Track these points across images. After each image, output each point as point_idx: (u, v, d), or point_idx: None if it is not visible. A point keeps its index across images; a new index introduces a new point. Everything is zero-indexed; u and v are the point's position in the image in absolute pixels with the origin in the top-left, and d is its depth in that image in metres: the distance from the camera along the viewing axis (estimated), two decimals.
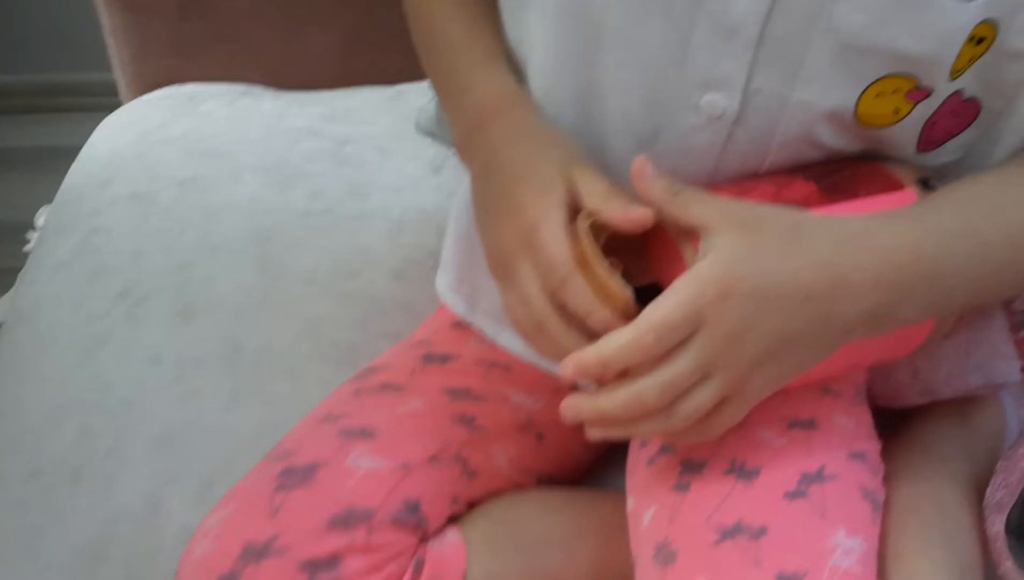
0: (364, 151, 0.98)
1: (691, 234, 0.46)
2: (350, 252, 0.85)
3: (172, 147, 0.96)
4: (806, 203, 0.49)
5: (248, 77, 1.11)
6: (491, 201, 0.51)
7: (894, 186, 0.51)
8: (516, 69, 0.57)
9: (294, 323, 0.78)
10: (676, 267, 0.46)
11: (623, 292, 0.44)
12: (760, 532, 0.47)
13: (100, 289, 0.79)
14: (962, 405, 0.67)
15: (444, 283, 0.71)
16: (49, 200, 1.05)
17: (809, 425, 0.53)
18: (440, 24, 0.58)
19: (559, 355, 0.46)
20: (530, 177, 0.48)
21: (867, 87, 0.48)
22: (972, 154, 0.54)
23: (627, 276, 0.46)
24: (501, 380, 0.64)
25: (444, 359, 0.64)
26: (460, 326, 0.69)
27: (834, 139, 0.51)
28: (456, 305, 0.69)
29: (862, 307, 0.45)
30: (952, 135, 0.52)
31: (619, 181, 0.54)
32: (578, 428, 0.65)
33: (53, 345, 0.76)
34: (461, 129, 0.55)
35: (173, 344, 0.75)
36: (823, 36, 0.46)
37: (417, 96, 1.05)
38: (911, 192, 0.50)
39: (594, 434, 0.47)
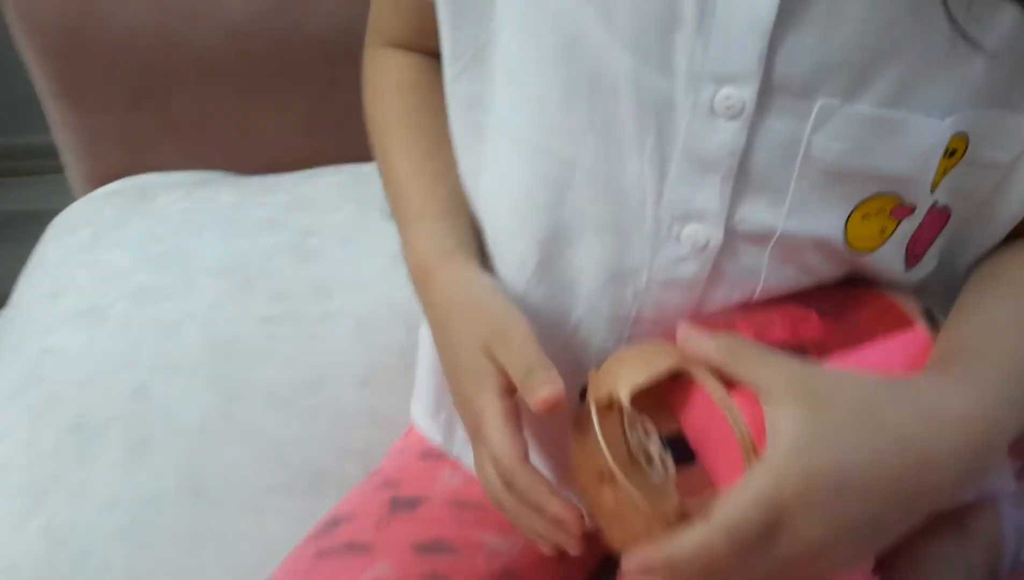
0: (328, 243, 0.94)
1: (740, 392, 0.42)
2: (314, 360, 0.81)
3: (125, 252, 0.92)
4: (825, 343, 0.47)
5: (206, 164, 1.08)
6: (443, 364, 0.52)
7: (902, 320, 0.49)
8: (463, 212, 0.56)
9: (256, 449, 0.74)
10: (716, 429, 0.42)
11: (645, 506, 0.40)
12: None
13: (51, 422, 0.75)
14: (958, 514, 0.64)
15: (419, 410, 0.68)
16: (4, 269, 1.01)
17: None
18: (391, 156, 0.59)
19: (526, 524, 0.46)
20: (464, 362, 0.49)
21: (853, 210, 0.47)
22: (940, 263, 0.54)
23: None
24: (475, 523, 0.60)
25: (412, 505, 0.60)
26: (430, 457, 0.65)
27: (824, 266, 0.50)
28: (432, 434, 0.66)
29: (948, 481, 0.43)
30: (929, 246, 0.52)
31: (584, 322, 0.52)
32: (558, 566, 0.62)
33: (3, 489, 0.71)
34: (409, 268, 0.57)
35: (129, 484, 0.71)
36: (804, 165, 0.45)
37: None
38: (921, 329, 0.49)
39: None
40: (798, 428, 0.39)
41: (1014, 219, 0.51)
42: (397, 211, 0.58)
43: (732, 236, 0.48)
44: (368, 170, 1.07)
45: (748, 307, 0.50)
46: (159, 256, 0.91)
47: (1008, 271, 0.51)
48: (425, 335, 0.67)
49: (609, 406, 0.42)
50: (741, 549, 0.38)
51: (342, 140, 1.10)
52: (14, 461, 0.73)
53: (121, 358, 0.80)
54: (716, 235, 0.48)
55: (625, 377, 0.43)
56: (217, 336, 0.82)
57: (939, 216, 0.51)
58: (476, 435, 0.48)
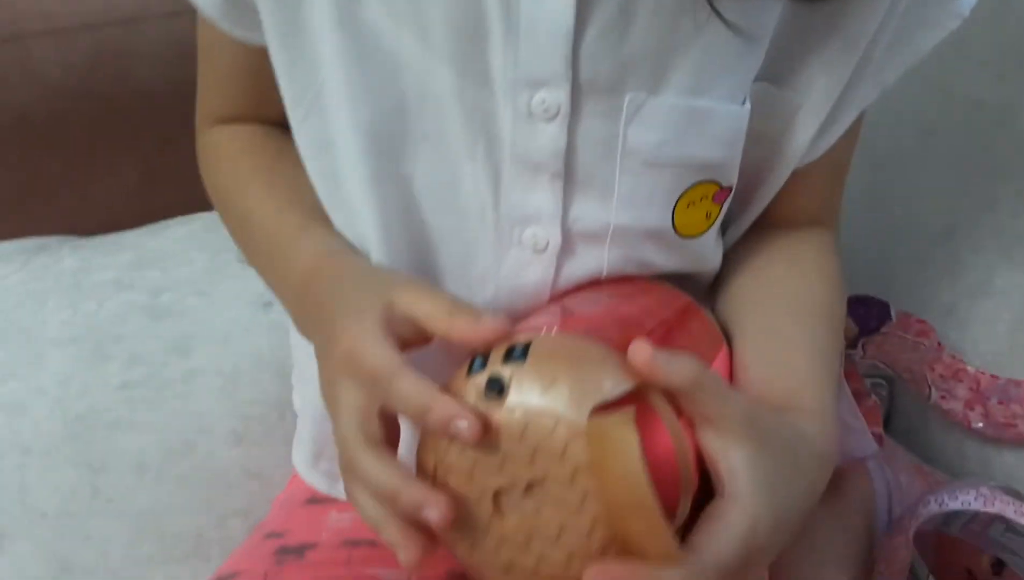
0: (182, 298, 0.90)
1: (682, 419, 0.41)
2: (181, 423, 0.78)
3: None
4: None
5: (41, 230, 1.02)
6: (321, 352, 0.47)
7: (717, 341, 0.52)
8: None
9: (129, 522, 0.70)
10: (660, 456, 0.40)
11: (671, 545, 0.37)
12: None
13: None
14: (832, 478, 0.67)
15: (301, 461, 0.66)
16: None
17: None
18: (252, 212, 0.57)
19: (368, 495, 0.41)
20: (346, 313, 0.45)
21: (678, 199, 0.50)
22: None
23: None
24: (366, 561, 0.59)
25: (301, 551, 0.59)
26: (315, 501, 0.64)
27: (658, 257, 0.53)
28: (316, 482, 0.64)
29: (819, 495, 0.47)
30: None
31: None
32: None
33: None
34: (293, 305, 0.54)
35: None
36: (625, 159, 0.48)
37: None
38: (726, 350, 0.52)
39: None
40: (754, 469, 0.40)
41: (773, 191, 0.56)
42: (266, 249, 0.56)
43: (569, 235, 0.50)
44: (214, 218, 1.04)
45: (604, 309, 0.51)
46: (0, 334, 0.85)
47: (793, 296, 0.55)
48: (299, 380, 0.66)
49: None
50: None
51: (184, 191, 1.06)
52: None
53: None
54: (554, 235, 0.50)
55: (577, 386, 0.39)
56: (71, 410, 0.77)
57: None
58: (344, 372, 0.43)
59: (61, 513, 0.70)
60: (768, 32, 0.47)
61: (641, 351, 0.39)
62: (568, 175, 0.48)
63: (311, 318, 0.50)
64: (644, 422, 0.39)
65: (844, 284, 0.58)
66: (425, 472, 0.41)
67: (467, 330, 0.41)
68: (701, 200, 0.51)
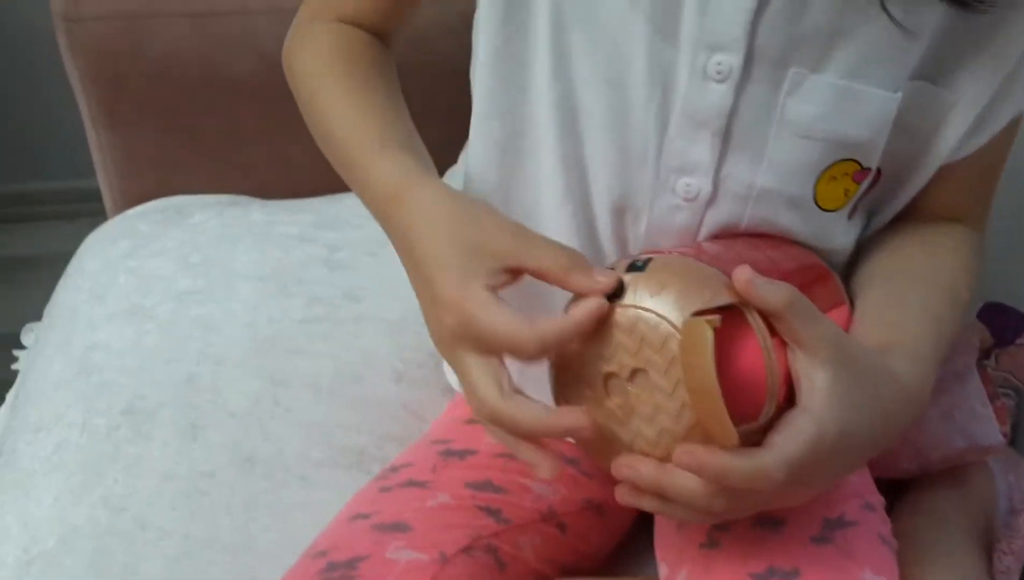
0: (356, 256, 0.99)
1: (776, 340, 0.47)
2: (351, 356, 0.86)
3: (165, 260, 0.97)
4: None
5: (234, 189, 1.14)
6: (419, 290, 0.51)
7: (839, 298, 0.58)
8: (420, 153, 0.57)
9: (303, 430, 0.78)
10: (748, 368, 0.47)
11: (730, 432, 0.44)
12: (792, 574, 0.51)
13: (104, 407, 0.79)
14: (954, 473, 0.70)
15: (453, 377, 0.73)
16: (31, 312, 1.05)
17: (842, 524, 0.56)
18: (333, 118, 0.58)
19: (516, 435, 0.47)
20: (448, 273, 0.48)
21: (822, 172, 0.56)
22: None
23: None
24: (519, 471, 0.65)
25: (463, 454, 0.66)
26: (474, 422, 0.70)
27: (793, 223, 0.58)
28: None
29: (897, 437, 0.51)
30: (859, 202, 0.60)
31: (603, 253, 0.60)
32: (599, 518, 0.67)
33: (60, 468, 0.75)
34: (377, 219, 0.56)
35: (183, 459, 0.75)
36: (780, 126, 0.54)
37: None
38: (847, 308, 0.58)
39: (646, 504, 0.48)
40: (833, 386, 0.46)
41: (920, 184, 0.60)
42: (346, 160, 0.57)
43: (719, 189, 0.56)
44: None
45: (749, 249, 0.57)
46: (198, 264, 0.96)
47: (918, 270, 0.59)
48: None
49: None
50: (789, 480, 0.45)
51: None
52: (69, 442, 0.77)
53: (168, 352, 0.85)
54: (706, 187, 0.56)
55: (683, 295, 0.46)
56: (259, 333, 0.87)
57: (874, 175, 0.59)
58: (464, 344, 0.47)
59: (246, 414, 0.79)
60: (928, 31, 0.52)
61: (742, 272, 0.45)
62: (727, 134, 0.54)
63: (401, 249, 0.53)
64: (737, 333, 0.46)
65: (977, 282, 0.61)
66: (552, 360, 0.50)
67: (583, 285, 0.47)
68: (842, 176, 0.56)
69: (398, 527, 0.58)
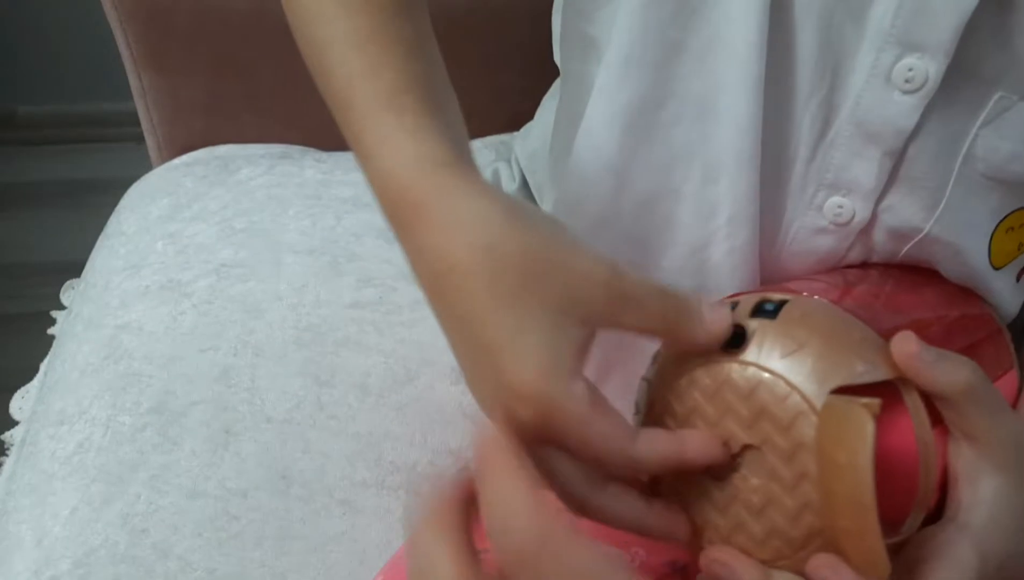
0: None
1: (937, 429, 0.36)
2: (405, 350, 0.76)
3: (206, 225, 0.88)
4: None
5: (288, 138, 1.03)
6: (465, 355, 0.36)
7: (1007, 361, 0.45)
8: (455, 128, 0.40)
9: (347, 442, 0.69)
10: (899, 460, 0.36)
11: (880, 556, 0.33)
12: None
13: (131, 402, 0.71)
14: None
15: None
16: (79, 238, 0.99)
17: None
18: (333, 55, 0.41)
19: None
20: (514, 338, 0.33)
21: (999, 222, 0.44)
22: None
23: None
24: (593, 529, 0.55)
25: None
26: None
27: (952, 274, 0.46)
28: None
29: None
30: None
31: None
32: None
33: (80, 472, 0.68)
34: (379, 200, 0.39)
35: (213, 472, 0.66)
36: (965, 162, 0.42)
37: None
38: (1015, 374, 0.46)
39: None
40: (997, 502, 0.36)
41: None
42: (343, 110, 0.41)
43: (875, 220, 0.44)
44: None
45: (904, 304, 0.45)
46: (242, 232, 0.86)
47: None
48: None
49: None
50: None
51: None
52: (92, 442, 0.69)
53: (203, 338, 0.76)
54: (863, 213, 0.44)
55: (824, 360, 0.35)
56: (304, 320, 0.78)
57: None
58: (549, 440, 0.35)
59: (286, 421, 0.70)
60: None
61: (906, 342, 0.34)
62: (902, 159, 0.42)
63: (429, 286, 0.37)
64: (891, 420, 0.34)
65: None
66: (649, 413, 0.39)
67: (695, 337, 0.35)
68: (1020, 226, 0.45)
69: None
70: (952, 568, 0.34)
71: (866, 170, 0.42)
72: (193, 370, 0.73)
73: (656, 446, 0.35)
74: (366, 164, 0.40)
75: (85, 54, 1.75)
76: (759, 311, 0.37)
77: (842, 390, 0.34)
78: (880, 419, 0.33)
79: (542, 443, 0.35)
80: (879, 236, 0.45)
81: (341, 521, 0.64)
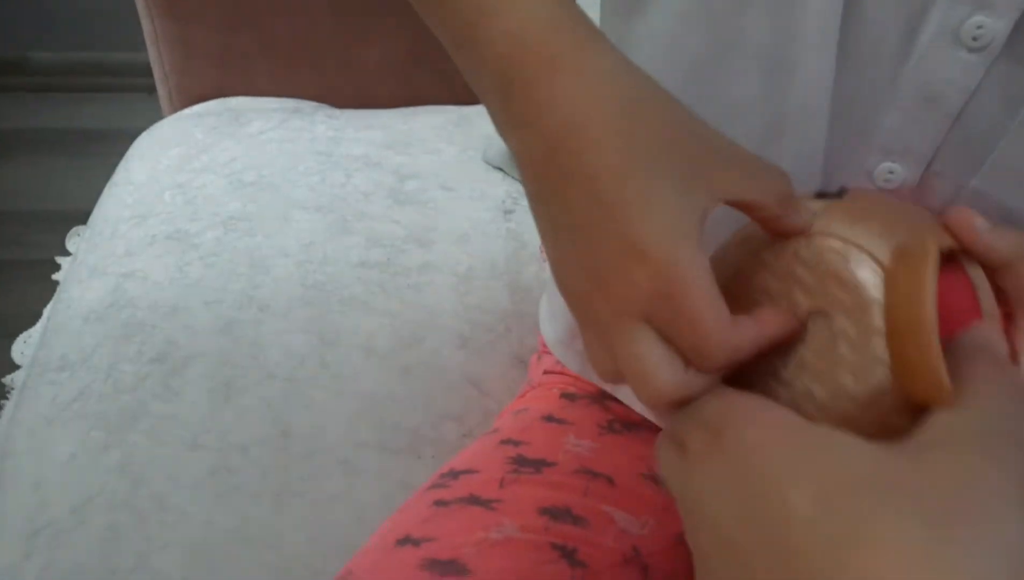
0: (427, 188, 0.88)
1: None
2: (412, 313, 0.76)
3: (216, 177, 0.87)
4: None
5: (300, 92, 1.02)
6: (583, 219, 0.34)
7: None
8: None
9: (350, 401, 0.69)
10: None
11: (942, 376, 0.32)
12: None
13: (134, 351, 0.71)
14: None
15: (554, 337, 0.62)
16: (85, 186, 0.97)
17: None
18: None
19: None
20: (649, 199, 0.32)
21: None
22: None
23: None
24: (603, 497, 0.54)
25: (539, 465, 0.55)
26: (552, 420, 0.60)
27: None
28: (570, 362, 0.60)
29: None
30: None
31: None
32: (690, 558, 0.56)
33: (81, 418, 0.67)
34: (495, 64, 0.35)
35: (214, 425, 0.66)
36: (1021, 125, 0.40)
37: (485, 121, 0.94)
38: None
39: None
40: None
41: None
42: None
43: (927, 183, 0.43)
44: (471, 113, 1.01)
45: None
46: (251, 185, 0.86)
47: None
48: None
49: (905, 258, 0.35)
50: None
51: (443, 81, 1.04)
52: (93, 389, 0.69)
53: (209, 291, 0.75)
54: (912, 178, 0.43)
55: (888, 227, 0.35)
56: (310, 277, 0.77)
57: None
58: (652, 310, 0.33)
59: (288, 378, 0.69)
60: None
61: (962, 213, 0.35)
62: (959, 120, 0.41)
63: (550, 148, 0.34)
64: (957, 291, 0.35)
65: None
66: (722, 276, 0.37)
67: (796, 225, 0.36)
68: None
69: (454, 568, 0.48)
70: (997, 383, 0.31)
71: (921, 133, 0.41)
72: (197, 322, 0.73)
73: (747, 332, 0.33)
74: (480, 27, 0.35)
75: (99, 1, 1.73)
76: (822, 195, 0.38)
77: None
78: (945, 288, 0.33)
79: (646, 319, 0.33)
80: (925, 198, 0.44)
81: (339, 481, 0.64)
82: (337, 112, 1.00)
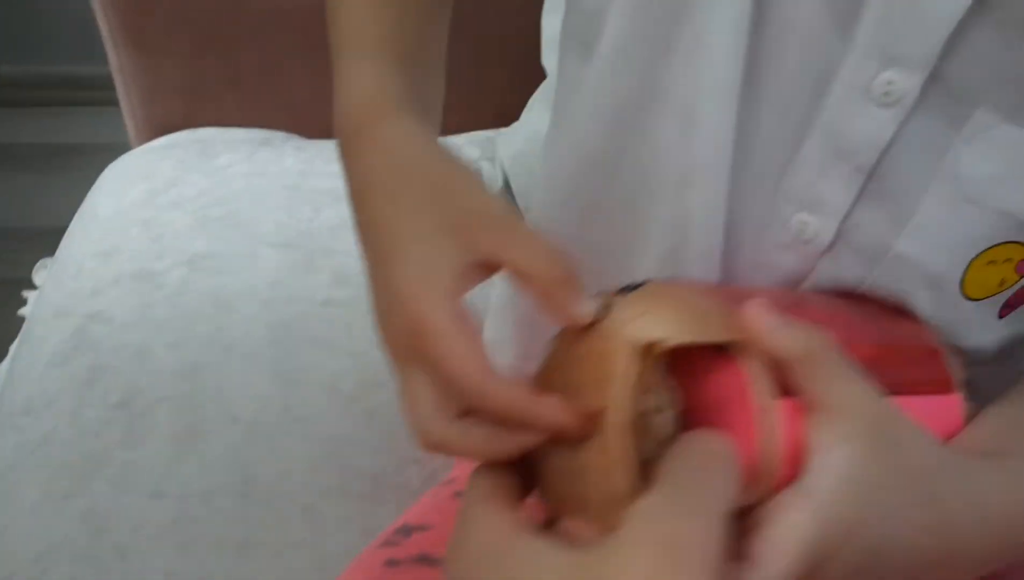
0: None
1: (787, 401, 0.35)
2: (376, 354, 0.75)
3: (182, 213, 0.87)
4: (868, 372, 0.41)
5: (269, 122, 1.02)
6: (369, 265, 0.40)
7: (946, 384, 0.43)
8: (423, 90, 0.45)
9: (313, 446, 0.69)
10: (740, 432, 0.34)
11: (625, 482, 0.32)
12: None
13: (98, 396, 0.71)
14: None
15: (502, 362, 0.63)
16: (55, 202, 0.97)
17: None
18: (342, 5, 0.47)
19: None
20: (407, 256, 0.36)
21: (980, 253, 0.42)
22: None
23: None
24: None
25: None
26: None
27: (921, 302, 0.44)
28: None
29: (970, 571, 0.38)
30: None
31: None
32: None
33: (45, 465, 0.67)
34: (338, 150, 0.44)
35: (177, 473, 0.66)
36: (944, 182, 0.40)
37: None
38: (957, 397, 0.43)
39: None
40: (855, 470, 0.33)
41: None
42: (335, 54, 0.46)
43: (840, 239, 0.43)
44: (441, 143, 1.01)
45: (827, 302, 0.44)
46: (218, 221, 0.86)
47: None
48: (498, 298, 0.60)
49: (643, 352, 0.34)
50: None
51: None
52: (57, 434, 0.69)
53: (173, 332, 0.76)
54: (826, 233, 0.43)
55: (668, 323, 0.34)
56: (276, 316, 0.77)
57: None
58: (412, 356, 0.36)
59: (252, 422, 0.70)
60: None
61: (753, 307, 0.34)
62: (873, 175, 0.41)
63: (356, 203, 0.41)
64: (726, 382, 0.34)
65: None
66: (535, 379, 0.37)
67: (563, 309, 0.35)
68: (1003, 262, 0.42)
69: None
70: (782, 529, 0.32)
71: (835, 188, 0.41)
72: (161, 365, 0.73)
73: (509, 391, 0.34)
74: (337, 95, 0.44)
75: (68, 15, 1.72)
76: (624, 289, 0.37)
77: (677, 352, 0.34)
78: (716, 381, 0.34)
79: (412, 361, 0.36)
80: (845, 256, 0.44)
81: (301, 529, 0.64)
82: (306, 143, 1.00)
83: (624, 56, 0.43)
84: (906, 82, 0.38)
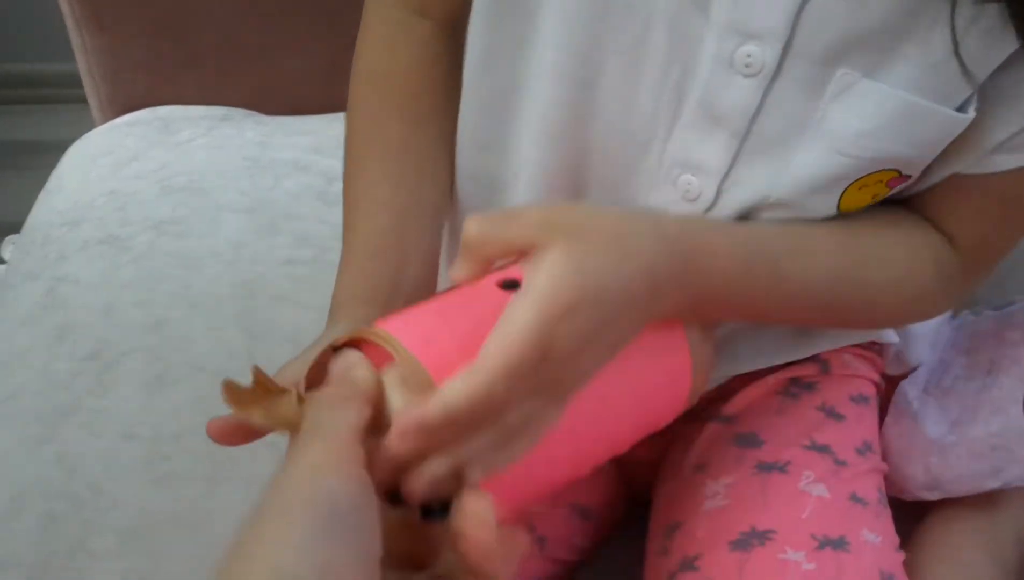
0: None
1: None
2: None
3: (146, 183, 0.90)
4: None
5: (229, 100, 1.05)
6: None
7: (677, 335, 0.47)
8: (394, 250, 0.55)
9: None
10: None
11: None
12: None
13: (67, 350, 0.74)
14: (988, 497, 0.63)
15: None
16: (17, 199, 0.99)
17: (839, 545, 0.51)
18: (353, 169, 0.62)
19: None
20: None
21: (851, 184, 0.47)
22: None
23: None
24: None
25: None
26: None
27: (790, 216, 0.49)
28: None
29: (672, 305, 0.43)
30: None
31: None
32: (583, 521, 0.61)
33: (17, 415, 0.70)
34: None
35: (147, 416, 0.69)
36: (814, 138, 0.45)
37: None
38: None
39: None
40: (558, 260, 0.38)
41: (927, 184, 0.50)
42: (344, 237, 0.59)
43: (722, 195, 0.48)
44: None
45: None
46: (181, 190, 0.89)
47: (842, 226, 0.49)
48: None
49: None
50: (519, 385, 0.36)
51: None
52: (29, 387, 0.71)
53: (140, 290, 0.78)
54: (709, 191, 0.48)
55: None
56: (239, 275, 0.80)
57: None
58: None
59: (218, 371, 0.72)
60: (980, 73, 0.43)
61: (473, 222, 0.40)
62: (746, 137, 0.45)
63: None
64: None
65: (914, 286, 0.51)
66: None
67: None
68: (875, 184, 0.47)
69: None
70: (506, 325, 0.36)
71: (713, 150, 0.46)
72: (129, 320, 0.76)
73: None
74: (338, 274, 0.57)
75: (28, 12, 1.73)
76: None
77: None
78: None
79: None
80: (728, 210, 0.48)
81: (269, 461, 0.67)
82: (266, 119, 1.03)
83: (489, 52, 0.51)
84: (764, 54, 0.43)
